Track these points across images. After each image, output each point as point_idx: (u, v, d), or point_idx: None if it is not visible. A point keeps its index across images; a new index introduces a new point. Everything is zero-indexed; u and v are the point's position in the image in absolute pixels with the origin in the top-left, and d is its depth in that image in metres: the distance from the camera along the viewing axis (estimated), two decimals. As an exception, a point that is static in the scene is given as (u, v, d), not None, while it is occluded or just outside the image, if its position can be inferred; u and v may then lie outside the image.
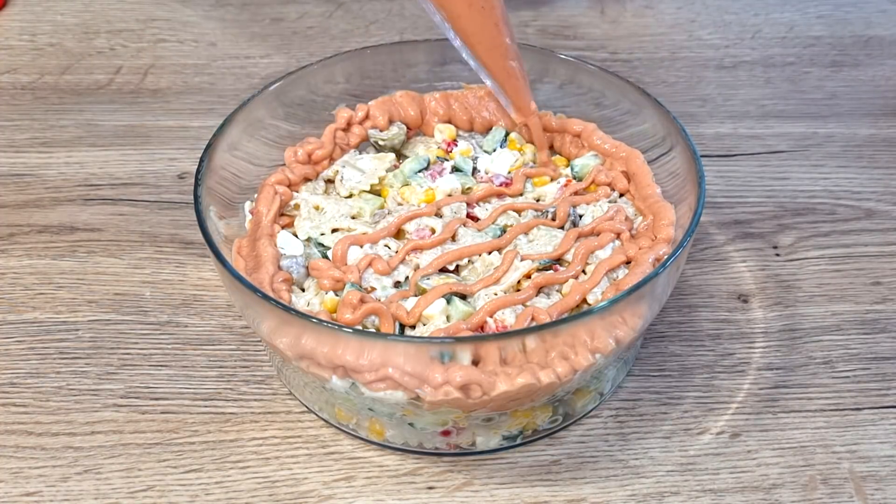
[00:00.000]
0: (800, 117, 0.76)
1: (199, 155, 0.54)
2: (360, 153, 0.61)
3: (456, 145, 0.61)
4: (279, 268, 0.52)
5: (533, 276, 0.52)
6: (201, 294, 0.61)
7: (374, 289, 0.51)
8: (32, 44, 0.85)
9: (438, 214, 0.56)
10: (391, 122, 0.62)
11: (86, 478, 0.51)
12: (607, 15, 0.88)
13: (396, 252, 0.53)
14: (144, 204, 0.68)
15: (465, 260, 0.53)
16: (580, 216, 0.56)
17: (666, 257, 0.50)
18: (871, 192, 0.69)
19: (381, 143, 0.61)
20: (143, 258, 0.64)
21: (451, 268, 0.53)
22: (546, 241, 0.54)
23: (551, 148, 0.62)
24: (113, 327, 0.59)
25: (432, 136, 0.63)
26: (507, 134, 0.62)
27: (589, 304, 0.51)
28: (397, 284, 0.52)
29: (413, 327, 0.50)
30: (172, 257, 0.64)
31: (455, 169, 0.59)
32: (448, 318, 0.50)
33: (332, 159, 0.60)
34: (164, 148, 0.73)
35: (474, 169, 0.60)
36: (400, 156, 0.62)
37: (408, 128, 0.63)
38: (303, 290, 0.53)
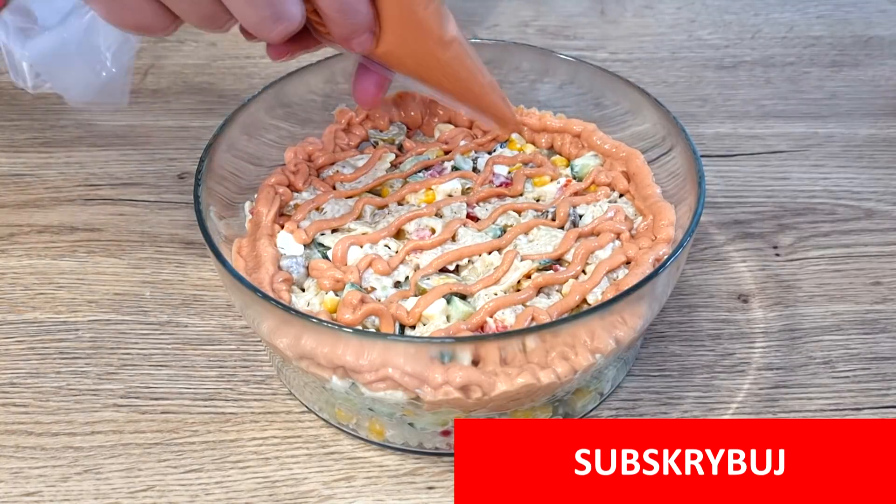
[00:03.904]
0: (800, 117, 0.76)
1: (199, 155, 0.54)
2: (361, 153, 0.61)
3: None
4: (279, 268, 0.52)
5: (533, 276, 0.52)
6: (201, 294, 0.61)
7: (374, 289, 0.51)
8: (32, 44, 0.85)
9: (438, 214, 0.56)
10: (391, 122, 0.62)
11: (86, 478, 0.51)
12: (607, 15, 0.88)
13: (396, 252, 0.53)
14: (144, 204, 0.68)
15: (465, 260, 0.53)
16: (580, 216, 0.56)
17: (666, 257, 0.50)
18: (871, 192, 0.69)
19: (381, 143, 0.61)
20: (143, 258, 0.64)
21: (451, 268, 0.53)
22: (546, 241, 0.54)
23: (551, 148, 0.62)
24: (113, 327, 0.59)
25: (432, 136, 0.63)
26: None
27: (589, 304, 0.51)
28: (397, 284, 0.52)
29: (413, 327, 0.50)
30: (172, 257, 0.64)
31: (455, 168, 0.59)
32: (448, 318, 0.49)
33: (332, 160, 0.60)
34: (164, 148, 0.73)
35: (474, 168, 0.60)
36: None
37: (408, 128, 0.63)
38: (303, 290, 0.53)
